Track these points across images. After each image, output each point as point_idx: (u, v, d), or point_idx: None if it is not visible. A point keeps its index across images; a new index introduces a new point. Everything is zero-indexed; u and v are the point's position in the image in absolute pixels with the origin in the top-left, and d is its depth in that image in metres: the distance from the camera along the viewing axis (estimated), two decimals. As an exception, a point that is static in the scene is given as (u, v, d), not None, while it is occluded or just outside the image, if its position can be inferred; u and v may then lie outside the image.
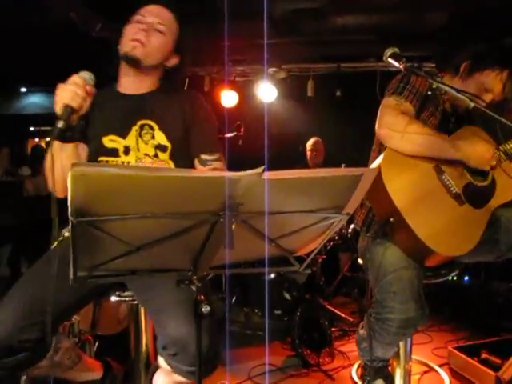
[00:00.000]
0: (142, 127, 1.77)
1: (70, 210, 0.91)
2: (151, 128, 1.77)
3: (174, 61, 1.86)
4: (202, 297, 1.23)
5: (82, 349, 2.50)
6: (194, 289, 1.24)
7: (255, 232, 1.14)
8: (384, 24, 3.58)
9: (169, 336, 1.55)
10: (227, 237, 1.08)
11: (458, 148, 1.88)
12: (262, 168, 0.96)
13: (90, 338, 2.63)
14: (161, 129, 1.78)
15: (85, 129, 1.68)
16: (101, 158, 1.76)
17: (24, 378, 2.10)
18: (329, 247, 4.39)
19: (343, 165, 4.06)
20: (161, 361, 1.69)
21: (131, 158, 1.76)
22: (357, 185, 1.12)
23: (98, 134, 1.77)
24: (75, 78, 1.50)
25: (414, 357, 2.67)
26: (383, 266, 1.88)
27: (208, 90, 5.41)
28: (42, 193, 4.38)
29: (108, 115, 1.79)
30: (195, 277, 1.25)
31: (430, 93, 1.90)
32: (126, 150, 1.75)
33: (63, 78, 1.49)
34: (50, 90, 1.44)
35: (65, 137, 1.51)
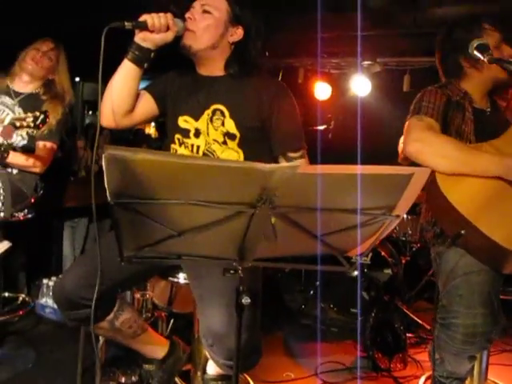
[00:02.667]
0: (214, 112, 1.77)
1: (107, 191, 0.95)
2: (222, 114, 1.76)
3: (237, 34, 1.79)
4: (245, 288, 1.23)
5: (154, 325, 2.61)
6: (237, 279, 1.25)
7: (298, 227, 1.12)
8: (488, 14, 3.32)
9: (206, 325, 1.59)
10: (266, 229, 1.07)
11: (499, 163, 1.75)
12: (298, 161, 0.94)
13: (163, 314, 2.73)
14: (232, 116, 1.75)
15: (151, 61, 1.74)
16: (176, 136, 1.84)
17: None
18: (414, 249, 4.20)
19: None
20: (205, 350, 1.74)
21: (201, 142, 1.78)
22: (407, 185, 1.06)
23: (176, 113, 1.83)
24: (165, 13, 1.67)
25: (493, 379, 2.48)
26: (453, 271, 1.78)
27: (302, 82, 5.38)
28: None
29: (186, 95, 1.84)
30: (240, 267, 1.25)
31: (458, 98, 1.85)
32: (197, 133, 1.78)
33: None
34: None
35: (131, 53, 1.69)
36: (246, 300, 1.21)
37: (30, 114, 2.34)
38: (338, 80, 5.33)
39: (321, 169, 0.96)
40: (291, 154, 1.75)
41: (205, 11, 1.74)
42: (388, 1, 3.66)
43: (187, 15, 1.74)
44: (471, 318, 1.75)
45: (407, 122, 1.89)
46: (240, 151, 1.78)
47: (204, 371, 1.94)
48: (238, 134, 1.75)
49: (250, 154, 1.77)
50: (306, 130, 4.98)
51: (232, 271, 1.26)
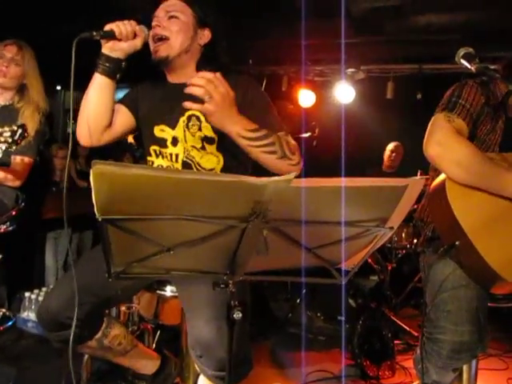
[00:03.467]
0: (189, 118, 1.74)
1: (95, 207, 0.92)
2: (198, 119, 1.73)
3: (205, 36, 1.78)
4: (236, 302, 1.21)
5: (141, 338, 2.57)
6: (228, 293, 1.22)
7: (290, 240, 1.10)
8: (470, 22, 3.36)
9: (195, 336, 1.57)
10: (258, 243, 1.05)
11: None
12: (293, 175, 0.92)
13: (149, 327, 2.69)
14: (207, 120, 1.68)
15: (123, 71, 1.71)
16: (152, 147, 1.81)
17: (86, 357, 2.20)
18: (400, 255, 4.21)
19: (419, 172, 3.87)
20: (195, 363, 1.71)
21: (179, 150, 1.75)
22: (401, 197, 1.04)
23: (151, 123, 1.80)
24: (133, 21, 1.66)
25: (483, 385, 2.48)
26: (442, 285, 1.75)
27: (286, 90, 5.40)
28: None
29: (159, 104, 1.81)
30: (231, 281, 1.23)
31: (495, 102, 1.72)
32: (174, 141, 1.75)
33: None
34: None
35: (101, 66, 1.66)
36: (237, 315, 1.18)
37: (6, 129, 2.23)
38: (321, 87, 5.35)
39: (314, 182, 0.94)
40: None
41: (171, 17, 1.72)
42: (372, 8, 3.68)
43: (154, 23, 1.72)
44: (458, 335, 1.72)
45: (434, 117, 1.75)
46: (219, 154, 1.74)
47: None
48: (215, 137, 1.72)
49: (230, 157, 1.74)
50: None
51: (222, 285, 1.23)
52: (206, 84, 1.44)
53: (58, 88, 7.68)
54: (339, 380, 3.01)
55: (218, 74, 1.47)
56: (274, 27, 4.29)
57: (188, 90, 1.46)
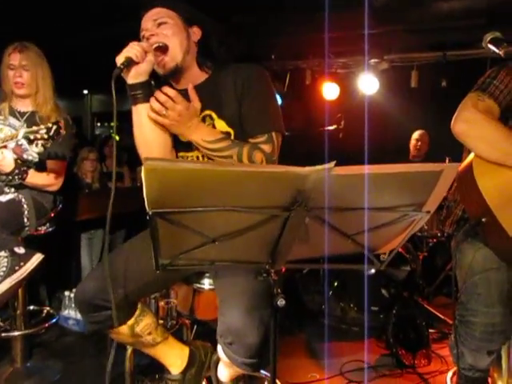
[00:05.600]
0: (203, 119, 1.77)
1: (146, 201, 0.97)
2: (211, 118, 1.77)
3: (196, 32, 1.80)
4: (279, 290, 1.25)
5: (179, 332, 2.63)
6: (271, 282, 1.26)
7: (330, 227, 1.14)
8: (493, 5, 3.31)
9: (226, 324, 1.60)
10: (300, 231, 1.09)
11: None
12: (333, 163, 0.95)
13: (187, 322, 2.75)
14: (220, 116, 1.76)
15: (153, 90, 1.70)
16: (180, 154, 1.83)
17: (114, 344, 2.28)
18: (431, 244, 4.20)
19: (448, 159, 3.84)
20: (219, 351, 1.74)
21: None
22: (436, 181, 1.07)
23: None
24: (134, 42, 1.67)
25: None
26: (471, 267, 1.77)
27: (309, 83, 5.40)
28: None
29: None
30: (272, 270, 1.27)
31: None
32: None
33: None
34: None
35: (136, 96, 1.68)
36: (281, 302, 1.22)
37: (42, 126, 2.28)
38: (345, 79, 5.34)
39: (354, 169, 0.97)
40: (252, 140, 1.72)
41: (160, 24, 1.74)
42: (393, -2, 3.67)
43: (147, 34, 1.73)
44: (490, 317, 1.74)
45: (467, 96, 1.78)
46: None
47: (218, 381, 1.95)
48: (232, 131, 1.76)
49: None
50: (316, 130, 4.96)
51: (264, 275, 1.28)
52: (165, 101, 1.61)
53: (85, 92, 7.86)
54: (375, 369, 3.02)
55: (174, 92, 1.62)
56: (295, 22, 4.30)
57: (150, 102, 1.63)
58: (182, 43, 1.75)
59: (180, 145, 1.82)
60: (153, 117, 1.66)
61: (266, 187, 0.99)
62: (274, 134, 1.73)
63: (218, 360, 1.88)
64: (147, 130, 1.72)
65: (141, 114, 1.70)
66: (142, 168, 0.90)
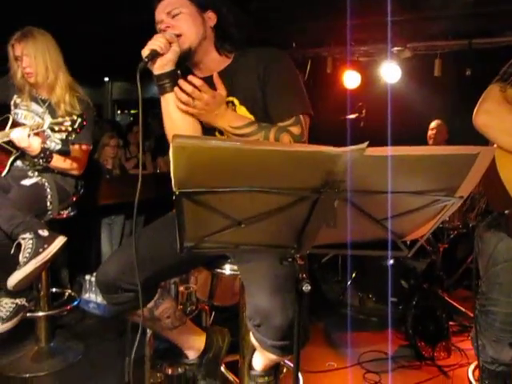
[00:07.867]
0: (227, 105, 1.75)
1: (173, 181, 0.96)
2: (233, 104, 1.76)
3: (211, 18, 1.78)
4: (304, 275, 1.23)
5: (198, 317, 2.64)
6: (296, 267, 1.24)
7: (359, 212, 1.11)
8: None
9: (254, 305, 1.60)
10: (329, 215, 1.06)
11: None
12: (366, 143, 0.93)
13: (206, 307, 2.76)
14: (241, 103, 1.76)
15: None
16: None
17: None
18: (452, 236, 4.14)
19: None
20: (251, 336, 1.75)
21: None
22: (472, 165, 1.03)
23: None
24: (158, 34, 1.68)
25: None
26: (493, 257, 1.75)
27: (331, 72, 5.33)
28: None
29: None
30: (298, 255, 1.25)
31: None
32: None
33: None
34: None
35: (163, 86, 1.68)
36: (306, 287, 1.20)
37: (67, 118, 2.29)
38: (367, 68, 5.26)
39: (389, 150, 0.94)
40: (280, 124, 1.69)
41: (175, 15, 1.73)
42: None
43: (162, 27, 1.73)
44: (510, 306, 1.73)
45: (488, 87, 1.75)
46: None
47: (250, 367, 1.94)
48: (253, 118, 1.74)
49: None
50: (337, 119, 4.91)
51: (290, 259, 1.26)
52: (192, 92, 1.60)
53: (106, 79, 7.89)
54: (393, 360, 3.00)
55: (200, 82, 1.61)
56: (317, 8, 4.24)
57: (176, 92, 1.63)
58: (199, 30, 1.74)
59: (204, 130, 1.81)
60: (181, 107, 1.66)
61: (295, 167, 0.97)
62: (301, 115, 1.71)
63: (254, 348, 1.87)
64: (177, 119, 1.72)
65: (169, 103, 1.70)
66: (171, 146, 0.89)
